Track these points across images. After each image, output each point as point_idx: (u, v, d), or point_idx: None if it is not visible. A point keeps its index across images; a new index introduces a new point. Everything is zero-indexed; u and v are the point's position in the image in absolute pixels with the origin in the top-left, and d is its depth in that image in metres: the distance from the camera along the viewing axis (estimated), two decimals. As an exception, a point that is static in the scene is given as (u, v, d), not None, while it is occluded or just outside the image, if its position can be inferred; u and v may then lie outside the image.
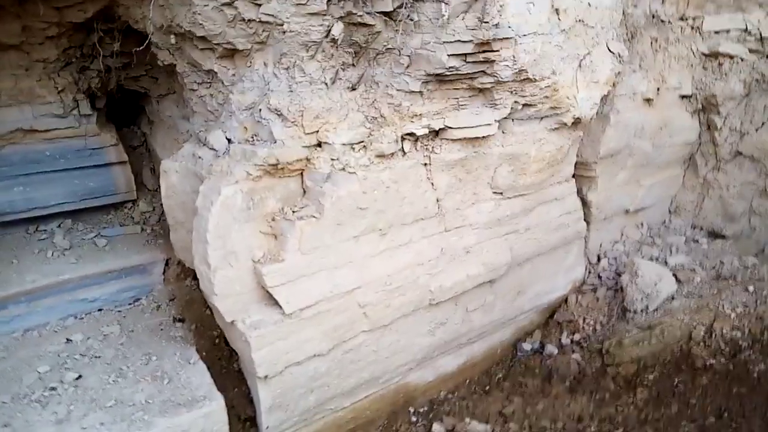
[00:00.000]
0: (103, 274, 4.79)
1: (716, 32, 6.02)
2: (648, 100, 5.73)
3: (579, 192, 5.65)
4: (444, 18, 3.59)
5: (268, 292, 3.77)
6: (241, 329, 3.78)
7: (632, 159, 5.87)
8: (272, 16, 3.60)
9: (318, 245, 3.82)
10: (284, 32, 3.68)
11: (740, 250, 5.92)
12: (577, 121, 4.68)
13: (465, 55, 3.76)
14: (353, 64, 3.97)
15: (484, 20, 3.58)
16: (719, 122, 6.14)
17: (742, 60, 5.93)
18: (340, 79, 3.95)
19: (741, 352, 4.74)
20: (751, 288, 5.14)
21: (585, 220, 5.69)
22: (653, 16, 5.80)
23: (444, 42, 3.70)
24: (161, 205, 4.65)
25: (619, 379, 4.93)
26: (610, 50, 4.74)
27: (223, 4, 3.58)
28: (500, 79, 3.96)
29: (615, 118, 5.39)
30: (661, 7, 5.85)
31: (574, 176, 5.48)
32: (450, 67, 3.79)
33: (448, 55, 3.73)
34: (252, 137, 3.91)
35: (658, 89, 5.84)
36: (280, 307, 3.78)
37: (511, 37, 3.75)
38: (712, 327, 4.85)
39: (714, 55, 5.99)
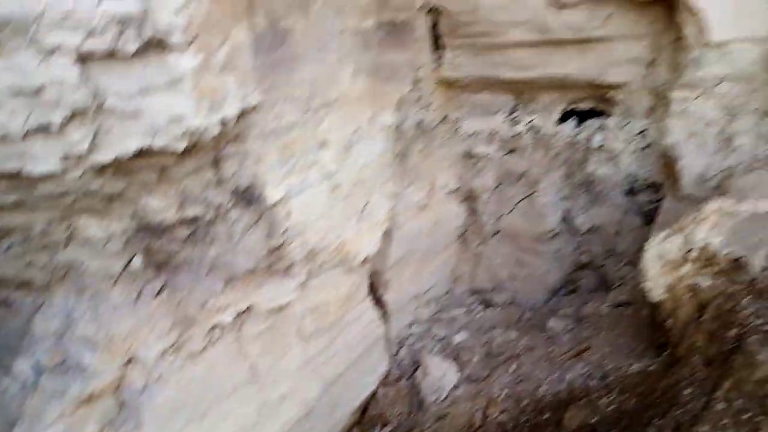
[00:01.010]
0: None
1: (470, 135, 7.04)
2: (423, 207, 6.52)
3: (375, 293, 6.28)
4: (235, 238, 3.77)
5: None
6: None
7: (415, 255, 6.65)
8: (69, 261, 3.47)
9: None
10: (83, 271, 3.56)
11: (506, 319, 7.13)
12: (366, 260, 5.21)
13: (260, 258, 3.99)
14: (157, 277, 3.96)
15: (273, 234, 3.85)
16: (480, 208, 7.23)
17: (492, 158, 7.04)
18: (144, 294, 3.92)
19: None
20: (512, 367, 6.25)
21: (383, 318, 6.35)
22: (420, 126, 6.58)
23: (238, 253, 3.89)
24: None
25: (425, 469, 5.70)
26: (385, 192, 5.34)
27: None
28: (293, 261, 4.28)
29: (397, 234, 6.07)
30: (426, 113, 6.66)
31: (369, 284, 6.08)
32: (247, 270, 4.00)
33: (243, 263, 3.93)
34: (61, 364, 3.73)
35: (430, 191, 6.67)
36: None
37: (299, 233, 4.07)
38: (486, 412, 5.84)
39: (470, 155, 7.00)
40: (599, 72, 6.52)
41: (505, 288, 7.54)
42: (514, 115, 7.05)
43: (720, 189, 4.91)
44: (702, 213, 4.36)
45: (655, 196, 6.84)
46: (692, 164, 6.22)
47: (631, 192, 6.87)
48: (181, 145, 3.10)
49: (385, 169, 5.30)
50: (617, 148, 6.73)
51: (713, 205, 4.38)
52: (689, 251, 4.35)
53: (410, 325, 7.05)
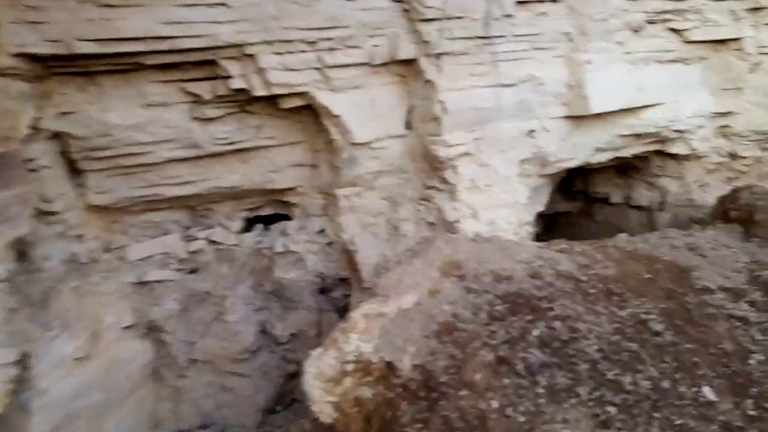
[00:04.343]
0: None
1: (141, 260, 6.28)
2: (83, 357, 5.46)
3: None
4: None
5: None
6: None
7: (83, 416, 5.50)
8: None
9: None
10: None
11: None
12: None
13: None
14: None
15: None
16: (168, 338, 6.41)
17: (172, 281, 6.35)
18: None
19: None
20: None
21: None
22: (71, 262, 5.60)
23: None
24: None
25: None
26: None
27: None
28: None
29: (40, 402, 4.90)
30: (80, 246, 5.72)
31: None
32: None
33: None
34: None
35: (93, 335, 5.65)
36: None
37: None
38: None
39: (144, 283, 6.22)
40: (265, 179, 6.44)
41: (214, 419, 6.74)
42: (190, 232, 6.53)
43: (370, 290, 4.96)
44: (351, 320, 4.26)
45: (348, 290, 6.89)
46: (368, 255, 6.39)
47: (323, 291, 6.80)
48: None
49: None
50: (301, 250, 6.64)
51: (361, 310, 4.33)
52: (346, 363, 4.18)
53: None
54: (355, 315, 4.28)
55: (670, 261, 5.39)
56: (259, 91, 5.58)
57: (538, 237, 10.88)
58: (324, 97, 5.79)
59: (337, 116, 5.88)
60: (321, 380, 4.20)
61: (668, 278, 5.16)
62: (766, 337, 4.47)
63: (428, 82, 5.92)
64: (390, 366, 4.09)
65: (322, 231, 6.72)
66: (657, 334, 4.40)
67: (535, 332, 4.21)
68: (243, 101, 5.86)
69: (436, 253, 4.88)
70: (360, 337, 4.18)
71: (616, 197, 9.36)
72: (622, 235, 6.17)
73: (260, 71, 5.49)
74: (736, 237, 6.04)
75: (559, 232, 10.91)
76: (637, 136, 7.59)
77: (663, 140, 7.95)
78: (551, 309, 4.44)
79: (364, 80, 5.95)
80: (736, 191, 6.53)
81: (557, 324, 4.30)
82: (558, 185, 9.51)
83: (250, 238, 6.72)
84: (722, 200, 6.67)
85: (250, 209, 6.93)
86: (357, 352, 4.15)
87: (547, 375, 3.94)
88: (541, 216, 10.09)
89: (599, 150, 7.51)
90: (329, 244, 6.71)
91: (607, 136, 7.36)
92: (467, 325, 4.23)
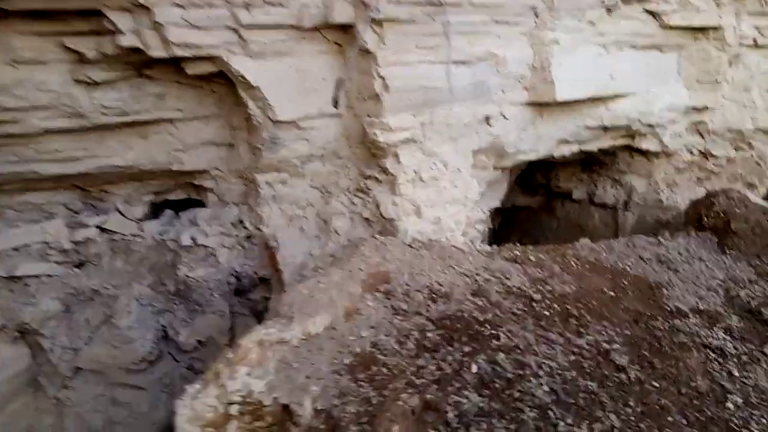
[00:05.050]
0: None
1: (14, 250, 5.18)
2: None
3: None
4: None
5: None
6: None
7: None
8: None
9: None
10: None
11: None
12: None
13: None
14: None
15: None
16: (46, 344, 5.36)
17: (50, 276, 5.27)
18: None
19: None
20: None
21: None
22: None
23: None
24: None
25: None
26: None
27: None
28: None
29: None
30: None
31: None
32: None
33: None
34: None
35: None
36: None
37: None
38: None
39: (16, 278, 5.13)
40: (171, 159, 5.40)
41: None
42: (78, 218, 5.45)
43: (270, 312, 4.02)
44: (240, 349, 3.32)
45: (269, 292, 5.94)
46: (292, 253, 5.47)
47: (239, 292, 5.83)
48: None
49: None
50: (213, 244, 5.64)
51: (253, 336, 3.39)
52: (230, 404, 3.24)
53: None
54: (246, 342, 3.34)
55: (637, 276, 4.64)
56: (156, 52, 4.51)
57: (495, 232, 10.15)
58: (239, 64, 4.76)
59: (255, 88, 4.87)
60: (197, 425, 3.26)
61: (635, 297, 4.40)
62: (745, 373, 3.75)
63: (367, 53, 4.95)
64: (287, 410, 3.19)
65: (240, 222, 5.73)
66: (620, 369, 3.63)
67: (474, 368, 3.36)
68: (138, 63, 4.79)
69: (360, 261, 3.97)
70: (250, 371, 3.25)
71: (579, 193, 8.63)
72: (584, 241, 5.38)
73: (157, 27, 4.42)
74: (709, 248, 5.34)
75: (517, 227, 10.17)
76: (606, 128, 6.81)
77: (633, 134, 7.20)
78: (496, 337, 3.61)
79: (291, 46, 4.94)
80: (710, 196, 5.82)
81: (501, 357, 3.47)
82: (517, 178, 8.72)
83: (154, 227, 5.67)
84: (695, 205, 5.96)
85: (157, 192, 5.87)
86: (245, 391, 3.22)
87: (484, 427, 3.11)
88: (498, 211, 9.32)
89: (564, 142, 6.70)
90: (248, 237, 5.72)
91: (573, 127, 6.55)
92: (389, 358, 3.34)
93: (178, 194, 6.00)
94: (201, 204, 5.96)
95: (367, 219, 5.39)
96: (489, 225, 7.68)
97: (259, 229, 5.61)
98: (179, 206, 6.07)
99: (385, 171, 5.26)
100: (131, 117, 4.98)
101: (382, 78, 4.98)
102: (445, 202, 5.40)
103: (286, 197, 5.53)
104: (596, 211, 8.47)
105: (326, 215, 5.59)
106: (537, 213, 9.62)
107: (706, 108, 7.18)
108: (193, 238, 5.53)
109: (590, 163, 8.19)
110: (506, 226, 10.22)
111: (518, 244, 5.17)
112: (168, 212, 5.96)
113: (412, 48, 5.06)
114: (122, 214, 5.55)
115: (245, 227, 5.73)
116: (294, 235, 5.53)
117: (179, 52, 4.56)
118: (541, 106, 5.99)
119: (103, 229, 5.48)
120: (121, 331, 5.34)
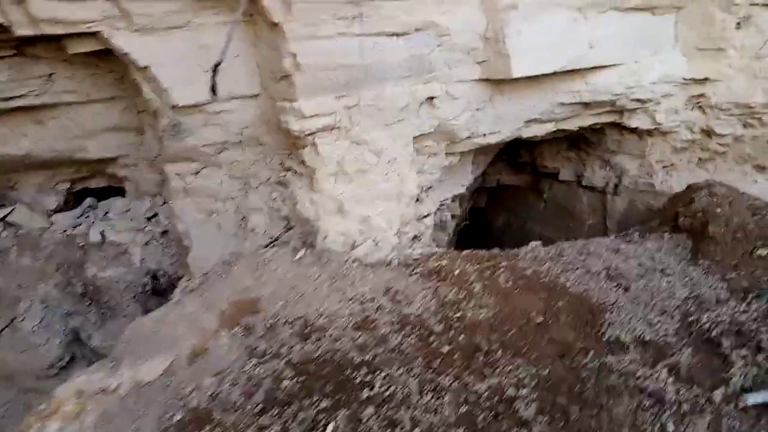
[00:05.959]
0: None
1: None
2: None
3: None
4: None
5: None
6: None
7: None
8: None
9: None
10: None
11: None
12: None
13: None
14: None
15: None
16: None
17: (-54, 275, 4.89)
18: None
19: None
20: None
21: None
22: None
23: None
24: None
25: None
26: None
27: None
28: None
29: None
30: None
31: None
32: None
33: None
34: None
35: None
36: None
37: None
38: None
39: None
40: (73, 146, 4.87)
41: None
42: (-22, 210, 5.02)
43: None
44: (53, 401, 2.81)
45: (195, 289, 5.42)
46: (206, 255, 4.91)
47: (158, 293, 5.35)
48: None
49: None
50: (125, 240, 5.14)
51: (73, 384, 2.87)
52: (36, 463, 2.76)
53: None
54: (62, 392, 2.82)
55: (577, 295, 3.94)
56: (21, 30, 3.92)
57: (481, 210, 9.41)
58: (123, 41, 4.12)
59: (144, 68, 4.23)
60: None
61: (568, 324, 3.72)
62: (681, 428, 3.08)
63: (274, 25, 4.23)
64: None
65: (155, 216, 5.19)
66: (522, 424, 3.01)
67: (329, 429, 2.79)
68: (18, 41, 4.21)
69: (226, 286, 3.37)
70: (62, 427, 2.74)
71: (566, 174, 7.78)
72: (535, 245, 4.68)
73: (20, 0, 3.81)
74: (680, 255, 4.57)
75: (503, 206, 9.39)
76: (586, 104, 5.94)
77: (621, 110, 6.30)
78: (369, 385, 3.00)
79: (186, 18, 4.25)
80: (691, 190, 4.99)
81: (369, 412, 2.87)
82: (502, 155, 7.92)
83: (65, 219, 5.20)
84: (674, 200, 5.14)
85: (74, 180, 5.38)
86: (56, 448, 2.73)
87: None
88: (485, 189, 8.57)
89: (534, 121, 5.88)
90: (165, 233, 5.20)
91: (545, 104, 5.70)
92: (227, 416, 2.78)
93: (99, 182, 5.49)
94: (123, 192, 5.45)
95: (286, 217, 4.78)
96: (456, 212, 6.99)
97: (173, 225, 5.08)
98: (104, 194, 5.56)
99: (303, 163, 4.61)
100: (16, 102, 4.43)
101: (293, 55, 4.27)
102: (374, 197, 4.73)
103: (201, 190, 4.95)
104: (585, 194, 7.63)
105: (246, 211, 5.00)
106: (524, 193, 8.80)
107: (707, 79, 6.18)
108: (102, 234, 5.03)
109: (577, 140, 7.32)
110: (493, 204, 9.45)
111: (454, 251, 4.53)
112: (88, 200, 5.46)
113: (329, 19, 4.30)
114: (29, 206, 5.07)
115: (160, 222, 5.19)
116: (210, 232, 4.98)
117: (49, 30, 3.95)
118: (498, 83, 5.17)
119: (7, 223, 5.02)
120: (25, 335, 4.94)
